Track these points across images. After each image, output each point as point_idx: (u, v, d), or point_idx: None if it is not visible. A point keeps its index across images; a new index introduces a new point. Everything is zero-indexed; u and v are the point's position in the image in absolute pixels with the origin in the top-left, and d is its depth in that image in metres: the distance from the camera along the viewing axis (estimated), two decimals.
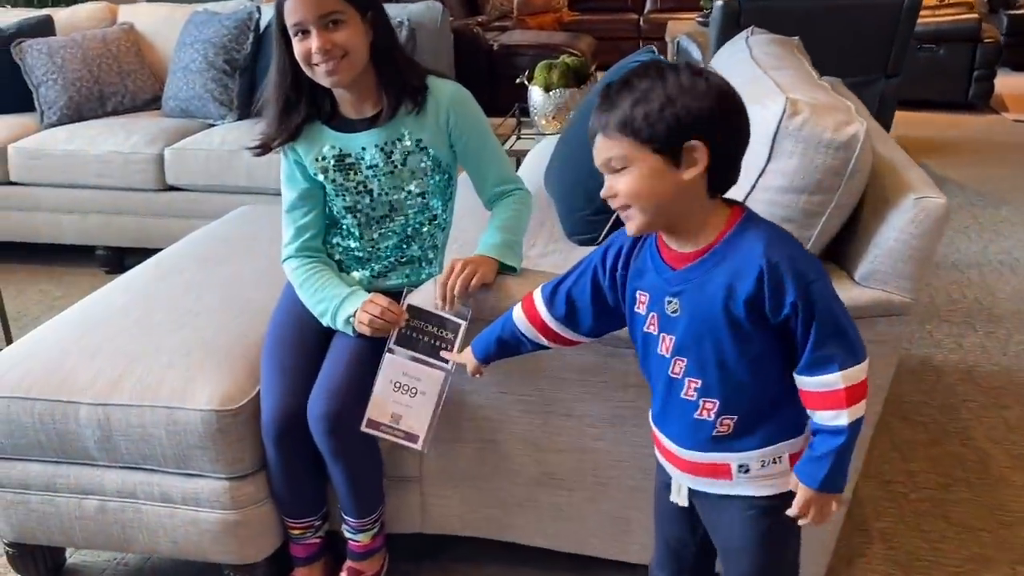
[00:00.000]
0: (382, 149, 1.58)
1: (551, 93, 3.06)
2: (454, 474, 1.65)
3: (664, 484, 1.29)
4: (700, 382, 1.13)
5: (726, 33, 4.30)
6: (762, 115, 1.42)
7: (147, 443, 1.57)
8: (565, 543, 1.68)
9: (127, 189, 3.30)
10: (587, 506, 1.64)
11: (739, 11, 4.23)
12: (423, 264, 1.72)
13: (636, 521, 1.63)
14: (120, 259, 3.45)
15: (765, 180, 1.42)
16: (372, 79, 1.56)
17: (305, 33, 1.46)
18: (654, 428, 1.25)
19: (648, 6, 8.17)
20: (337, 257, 1.70)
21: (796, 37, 2.31)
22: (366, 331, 1.53)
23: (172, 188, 3.29)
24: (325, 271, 1.64)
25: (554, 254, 2.00)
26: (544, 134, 3.09)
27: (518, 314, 1.35)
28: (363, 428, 1.51)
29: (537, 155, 2.71)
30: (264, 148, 1.60)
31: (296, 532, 1.64)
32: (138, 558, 1.87)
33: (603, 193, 1.13)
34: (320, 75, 1.49)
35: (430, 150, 1.60)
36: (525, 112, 3.38)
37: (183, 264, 2.06)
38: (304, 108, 1.56)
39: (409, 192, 1.62)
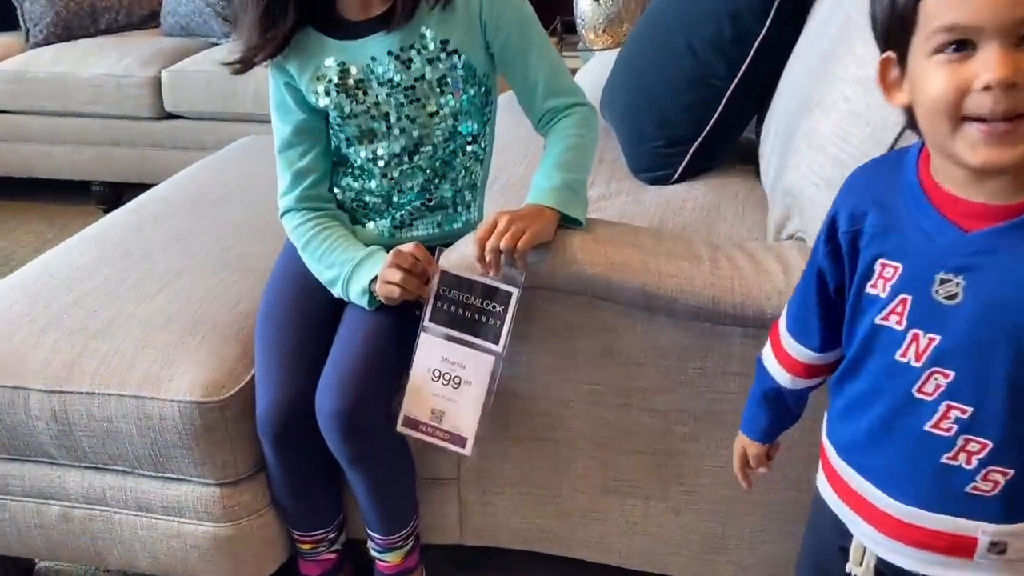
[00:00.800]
0: (398, 57, 1.20)
1: (601, 2, 2.63)
2: (500, 478, 1.31)
3: (831, 542, 0.87)
4: (969, 411, 0.72)
5: None
6: None
7: (114, 440, 1.24)
8: (639, 562, 1.35)
9: (122, 117, 2.94)
10: (669, 519, 1.30)
11: None
12: (458, 209, 1.35)
13: (732, 538, 1.29)
14: (118, 195, 3.11)
15: None
16: None
17: None
18: (838, 458, 0.83)
19: None
20: (348, 205, 1.33)
21: None
22: (393, 298, 1.17)
23: (171, 116, 2.92)
24: (334, 228, 1.28)
25: (618, 196, 1.63)
26: (592, 50, 2.67)
27: (770, 362, 0.94)
28: (399, 428, 1.18)
29: (589, 74, 2.30)
30: (245, 64, 1.22)
31: (306, 547, 1.32)
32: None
33: (996, 75, 0.63)
34: None
35: (461, 54, 1.22)
36: (569, 28, 2.96)
37: (168, 208, 1.71)
38: (293, 10, 1.17)
39: (436, 112, 1.25)
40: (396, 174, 1.28)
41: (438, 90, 1.23)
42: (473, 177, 1.35)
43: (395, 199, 1.31)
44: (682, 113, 1.64)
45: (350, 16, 1.21)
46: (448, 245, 1.22)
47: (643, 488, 1.28)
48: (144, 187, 2.86)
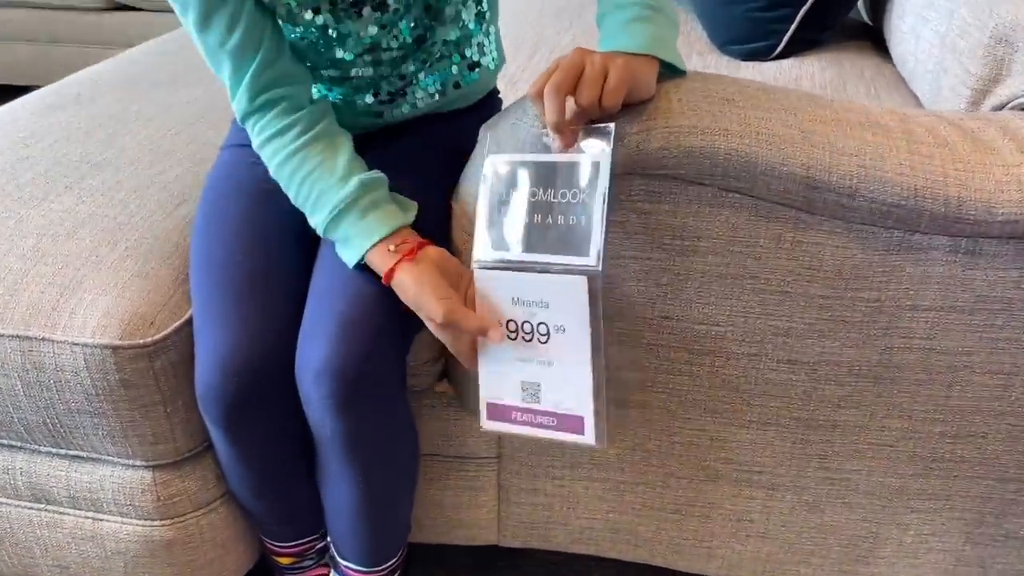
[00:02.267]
0: None
1: None
2: (559, 456, 0.91)
3: None
4: None
5: None
6: None
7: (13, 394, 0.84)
8: (747, 573, 0.97)
9: (63, 8, 2.47)
10: (800, 517, 0.91)
11: None
12: (467, 51, 0.92)
13: (889, 543, 0.91)
14: None
15: None
16: None
17: None
18: None
19: None
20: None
21: None
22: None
23: (122, 7, 2.45)
24: (314, 142, 0.81)
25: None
26: None
27: None
28: (485, 423, 0.76)
29: None
30: None
31: (285, 561, 0.93)
32: None
33: None
34: None
35: None
36: None
37: (97, 89, 1.28)
38: None
39: None
40: (373, 28, 0.85)
41: None
42: (480, 6, 0.92)
43: (382, 54, 0.87)
44: None
45: None
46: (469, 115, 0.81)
47: (768, 474, 0.89)
48: None
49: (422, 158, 0.91)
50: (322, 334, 0.77)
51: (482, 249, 0.73)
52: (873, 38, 1.35)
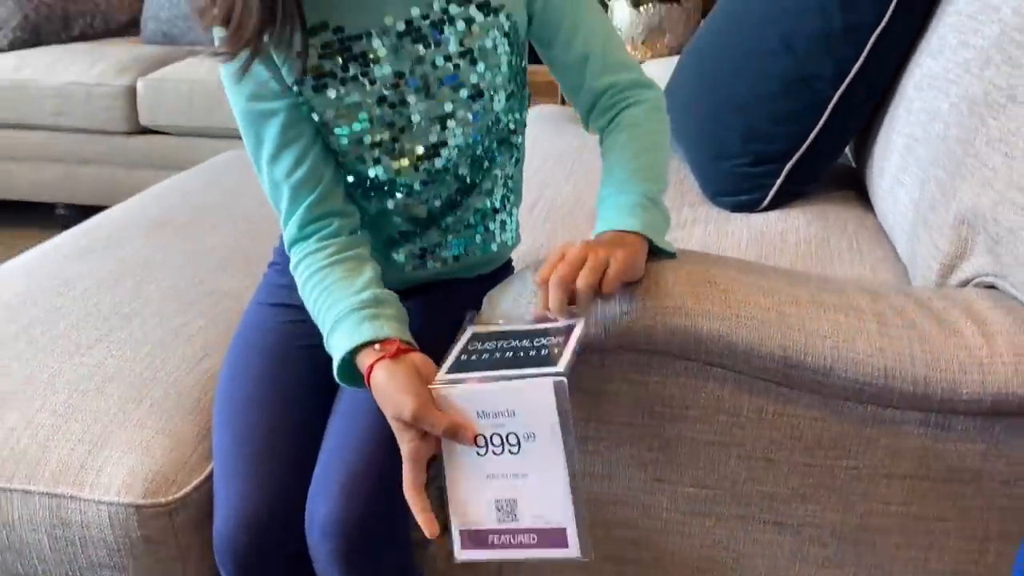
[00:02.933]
0: (425, 18, 0.87)
1: (642, 9, 2.31)
2: None
3: None
4: None
5: None
6: None
7: (18, 555, 0.88)
8: None
9: (91, 131, 2.61)
10: None
11: None
12: (491, 224, 1.00)
13: None
14: (86, 219, 2.76)
15: None
16: None
17: None
18: None
19: None
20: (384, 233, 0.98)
21: None
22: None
23: (147, 131, 2.59)
24: (341, 262, 0.87)
25: (695, 225, 1.30)
26: None
27: None
28: (459, 554, 0.76)
29: None
30: (251, 45, 0.82)
31: None
32: None
33: None
34: None
35: (502, 11, 0.89)
36: None
37: (125, 232, 1.36)
38: None
39: (471, 90, 0.90)
40: (417, 185, 0.93)
41: (475, 58, 0.89)
42: (510, 179, 1.00)
43: (418, 216, 0.95)
44: (775, 124, 1.31)
45: None
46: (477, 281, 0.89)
47: None
48: None
49: (429, 315, 0.97)
50: (329, 490, 0.82)
51: (443, 373, 0.76)
52: (858, 185, 1.43)
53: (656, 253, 0.83)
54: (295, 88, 0.87)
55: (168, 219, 1.41)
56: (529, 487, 0.73)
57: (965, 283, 0.91)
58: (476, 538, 0.75)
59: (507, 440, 0.73)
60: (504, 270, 1.07)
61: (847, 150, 1.54)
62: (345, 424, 0.87)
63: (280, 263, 1.04)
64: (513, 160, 1.00)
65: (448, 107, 0.89)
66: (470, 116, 0.91)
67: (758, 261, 1.14)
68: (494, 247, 1.02)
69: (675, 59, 1.81)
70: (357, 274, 0.86)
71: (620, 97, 0.93)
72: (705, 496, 0.86)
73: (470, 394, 0.73)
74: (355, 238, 0.90)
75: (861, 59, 1.25)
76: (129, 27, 3.00)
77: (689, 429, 0.84)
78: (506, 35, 0.90)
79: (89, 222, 1.45)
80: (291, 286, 0.91)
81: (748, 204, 1.32)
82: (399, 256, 0.98)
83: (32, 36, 2.84)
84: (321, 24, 0.86)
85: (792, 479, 0.84)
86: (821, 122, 1.29)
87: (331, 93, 0.87)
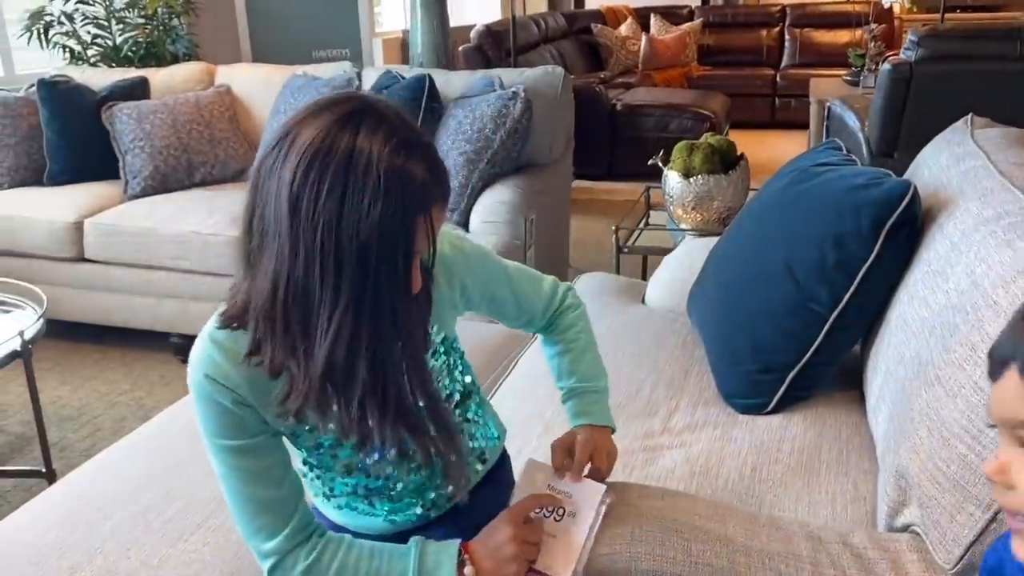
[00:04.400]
0: None
1: (691, 180, 2.53)
2: None
3: None
4: None
5: (891, 102, 3.70)
6: None
7: None
8: None
9: (205, 273, 2.95)
10: None
11: (910, 76, 3.61)
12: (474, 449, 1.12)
13: None
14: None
15: None
16: None
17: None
18: None
19: (785, 60, 7.54)
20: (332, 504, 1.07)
21: None
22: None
23: None
24: (344, 540, 0.98)
25: (705, 428, 1.48)
26: (679, 229, 2.56)
27: None
28: None
29: (678, 261, 2.18)
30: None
31: None
32: None
33: (988, 469, 0.64)
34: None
35: (453, 340, 1.08)
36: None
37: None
38: None
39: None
40: (389, 469, 1.02)
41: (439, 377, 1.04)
42: (473, 429, 1.11)
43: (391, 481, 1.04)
44: (780, 339, 1.49)
45: None
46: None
47: None
48: None
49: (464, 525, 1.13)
50: None
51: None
52: (860, 385, 1.58)
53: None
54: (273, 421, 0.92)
55: None
56: (553, 546, 1.00)
57: (906, 527, 1.07)
58: None
59: (556, 511, 1.02)
60: (500, 464, 1.17)
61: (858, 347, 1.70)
62: None
63: None
64: (471, 421, 1.10)
65: None
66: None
67: (751, 473, 1.32)
68: (482, 467, 1.12)
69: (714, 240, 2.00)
70: (370, 543, 0.98)
71: (553, 313, 1.17)
72: None
73: (548, 473, 1.06)
74: (334, 543, 0.97)
75: (852, 289, 1.43)
76: (242, 174, 3.39)
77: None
78: (455, 354, 1.07)
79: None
80: None
81: (755, 407, 1.50)
82: (376, 512, 1.06)
83: (160, 183, 3.25)
84: None
85: None
86: (818, 340, 1.46)
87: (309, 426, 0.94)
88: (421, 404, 0.89)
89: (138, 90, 3.51)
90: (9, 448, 2.54)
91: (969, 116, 1.77)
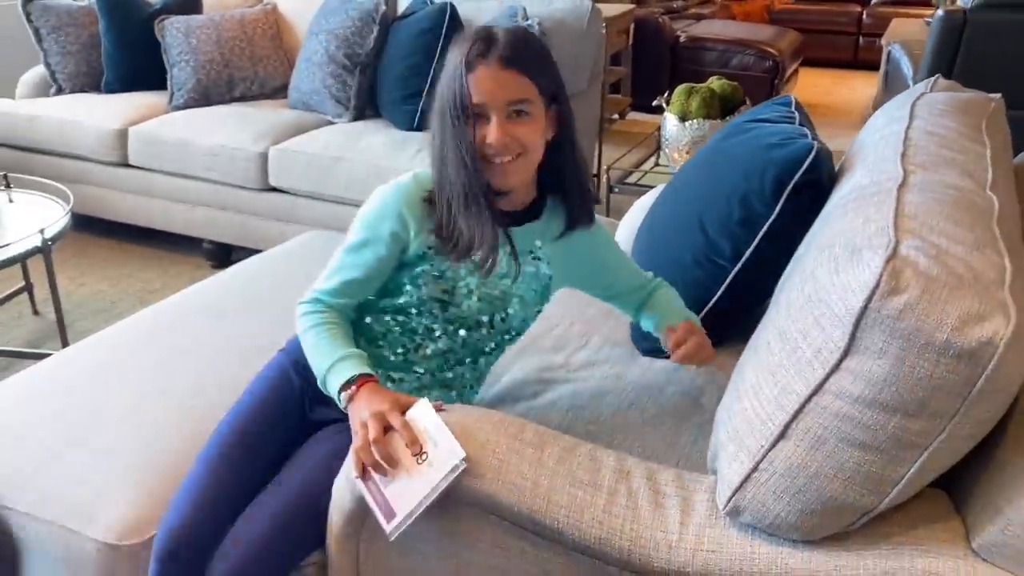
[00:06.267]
0: (527, 252, 1.32)
1: (687, 124, 2.55)
2: None
3: None
4: None
5: (942, 51, 3.56)
6: (846, 280, 0.92)
7: (42, 569, 1.31)
8: None
9: (232, 185, 3.14)
10: None
11: (963, 23, 3.46)
12: (463, 390, 1.39)
13: None
14: (227, 254, 3.32)
15: (838, 381, 0.92)
16: (532, 177, 1.29)
17: (481, 117, 1.18)
18: None
19: None
20: (380, 341, 1.33)
21: (999, 95, 1.69)
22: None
23: (274, 189, 3.09)
24: (338, 324, 1.27)
25: (603, 365, 1.57)
26: (674, 173, 2.60)
27: None
28: (353, 476, 1.13)
29: (649, 204, 2.23)
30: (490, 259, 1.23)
31: None
32: None
33: None
34: (487, 170, 1.20)
35: (551, 274, 1.36)
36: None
37: (186, 316, 1.80)
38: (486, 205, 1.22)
39: (517, 309, 1.34)
40: (440, 344, 1.31)
41: (526, 293, 1.33)
42: (490, 367, 1.41)
43: (423, 362, 1.32)
44: (686, 288, 1.55)
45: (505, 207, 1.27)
46: None
47: None
48: (247, 250, 3.08)
49: None
50: (224, 548, 1.18)
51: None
52: None
53: None
54: (419, 253, 1.25)
55: (225, 303, 1.84)
56: (406, 481, 1.10)
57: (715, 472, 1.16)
58: (367, 473, 1.12)
59: (422, 453, 1.11)
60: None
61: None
62: (274, 484, 1.24)
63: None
64: (503, 350, 1.40)
65: (499, 314, 1.31)
66: (501, 330, 1.33)
67: (628, 408, 1.42)
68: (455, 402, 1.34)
69: None
70: (345, 335, 1.26)
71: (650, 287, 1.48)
72: None
73: (434, 418, 1.13)
74: (347, 321, 1.30)
75: (753, 246, 1.48)
76: (280, 91, 3.54)
77: (475, 557, 1.14)
78: (544, 285, 1.35)
79: (173, 298, 1.90)
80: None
81: (657, 351, 1.58)
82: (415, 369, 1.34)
83: (202, 96, 3.44)
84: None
85: None
86: (718, 294, 1.52)
87: (434, 269, 1.26)
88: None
89: (190, 4, 3.67)
90: (43, 334, 2.82)
91: (935, 77, 1.75)
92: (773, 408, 0.98)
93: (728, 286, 1.52)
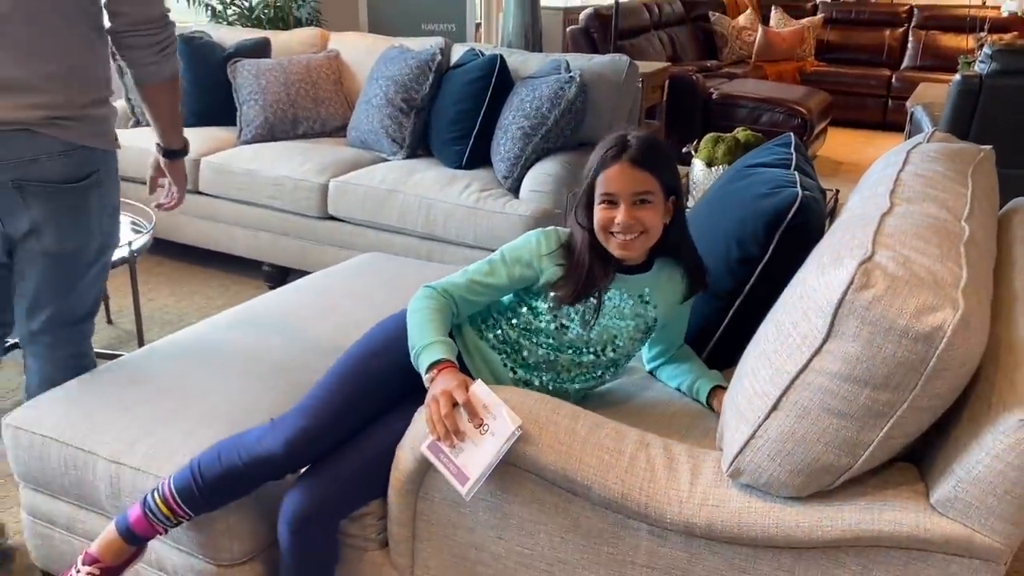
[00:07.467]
0: (638, 297, 1.54)
1: (712, 169, 2.78)
2: None
3: None
4: None
5: (959, 113, 3.77)
6: (828, 279, 1.14)
7: None
8: None
9: (293, 213, 3.41)
10: None
11: (980, 88, 3.68)
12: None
13: None
14: (284, 275, 3.59)
15: (820, 361, 1.14)
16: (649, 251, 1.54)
17: (612, 204, 1.45)
18: None
19: (906, 62, 7.44)
20: (497, 332, 1.56)
21: (989, 146, 1.91)
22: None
23: (332, 218, 3.36)
24: (443, 311, 1.49)
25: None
26: None
27: None
28: (424, 448, 1.33)
29: None
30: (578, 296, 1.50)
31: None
32: None
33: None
34: (613, 245, 1.47)
35: (658, 317, 1.57)
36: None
37: (259, 317, 2.05)
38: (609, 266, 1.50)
39: (625, 345, 1.57)
40: (561, 360, 1.54)
41: (636, 330, 1.55)
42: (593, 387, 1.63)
43: (537, 364, 1.55)
44: (695, 319, 1.74)
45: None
46: None
47: None
48: (304, 273, 3.34)
49: None
50: (303, 485, 1.42)
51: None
52: None
53: None
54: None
55: (300, 308, 2.08)
56: (472, 451, 1.30)
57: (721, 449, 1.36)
58: (436, 448, 1.32)
59: (483, 425, 1.31)
60: None
61: None
62: (357, 441, 1.45)
63: None
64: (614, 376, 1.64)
65: (612, 348, 1.56)
66: (607, 362, 1.57)
67: (641, 409, 1.62)
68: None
69: None
70: (443, 321, 1.47)
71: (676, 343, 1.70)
72: (527, 554, 1.37)
73: (488, 395, 1.34)
74: (451, 313, 1.51)
75: (752, 280, 1.67)
76: (339, 130, 3.83)
77: (517, 509, 1.35)
78: (650, 326, 1.58)
79: (257, 300, 2.14)
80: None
81: None
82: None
83: (269, 133, 3.74)
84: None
85: (576, 553, 1.33)
86: (723, 327, 1.72)
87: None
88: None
89: (260, 49, 4.00)
90: (118, 340, 3.09)
91: (931, 131, 1.97)
92: (768, 385, 1.19)
93: (731, 318, 1.72)
